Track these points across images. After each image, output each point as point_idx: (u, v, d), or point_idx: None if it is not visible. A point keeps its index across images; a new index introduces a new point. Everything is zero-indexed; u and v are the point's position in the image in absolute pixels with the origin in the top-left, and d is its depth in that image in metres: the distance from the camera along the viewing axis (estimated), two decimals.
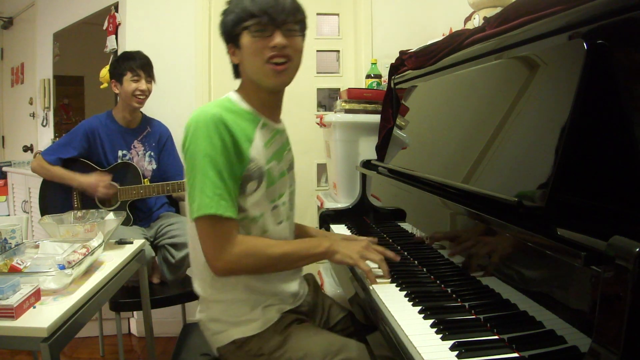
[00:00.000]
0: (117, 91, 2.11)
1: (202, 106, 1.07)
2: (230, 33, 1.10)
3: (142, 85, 2.07)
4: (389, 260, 1.16)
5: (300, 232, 1.41)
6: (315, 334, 1.12)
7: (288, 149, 1.25)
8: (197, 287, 1.15)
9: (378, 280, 1.11)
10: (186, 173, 1.05)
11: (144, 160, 2.17)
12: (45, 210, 2.11)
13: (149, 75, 2.11)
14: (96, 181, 2.01)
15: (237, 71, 1.17)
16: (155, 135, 2.21)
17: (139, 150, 2.16)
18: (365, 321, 1.26)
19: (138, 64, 2.07)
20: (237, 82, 1.18)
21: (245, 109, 1.12)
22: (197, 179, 1.01)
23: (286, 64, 1.08)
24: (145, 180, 2.12)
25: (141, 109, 2.17)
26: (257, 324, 1.09)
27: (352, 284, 1.23)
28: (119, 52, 2.56)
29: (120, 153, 2.13)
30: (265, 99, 1.14)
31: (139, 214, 2.15)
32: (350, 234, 1.64)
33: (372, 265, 1.13)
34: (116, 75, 2.09)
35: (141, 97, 2.09)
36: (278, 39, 1.05)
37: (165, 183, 2.08)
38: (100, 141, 2.09)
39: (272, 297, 1.13)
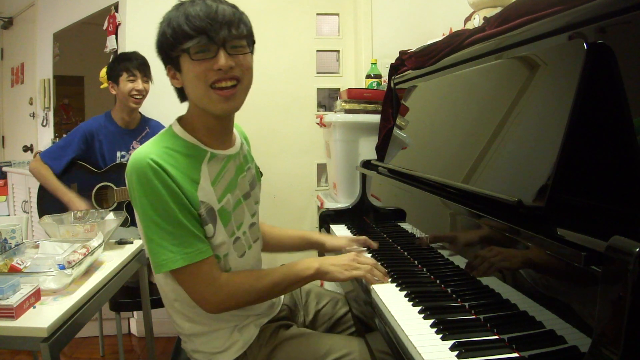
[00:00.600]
0: (114, 92, 2.11)
1: (140, 149, 0.98)
2: (167, 56, 0.99)
3: (139, 85, 2.07)
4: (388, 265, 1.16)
5: (300, 240, 1.41)
6: (303, 337, 1.11)
7: (246, 168, 1.15)
8: (173, 322, 1.11)
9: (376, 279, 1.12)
10: (140, 224, 0.98)
11: None
12: (43, 211, 2.11)
13: (146, 75, 2.10)
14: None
15: (181, 95, 1.06)
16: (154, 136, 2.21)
17: None
18: (362, 316, 1.27)
19: (134, 65, 2.06)
20: None
21: (189, 143, 1.02)
22: (154, 233, 0.95)
23: (235, 87, 0.97)
24: None
25: (139, 110, 2.17)
26: (239, 345, 1.07)
27: (352, 284, 1.23)
28: (119, 52, 2.56)
29: (119, 154, 2.12)
30: (214, 126, 1.04)
31: None
32: (350, 234, 1.64)
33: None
34: (112, 76, 2.08)
35: (138, 97, 2.08)
36: (222, 60, 0.93)
37: None
38: (99, 143, 2.09)
39: (247, 317, 1.10)
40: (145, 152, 0.96)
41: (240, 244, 1.09)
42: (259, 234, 1.21)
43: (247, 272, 1.08)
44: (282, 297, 1.26)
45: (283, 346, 1.08)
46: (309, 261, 1.10)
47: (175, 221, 0.94)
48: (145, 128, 2.20)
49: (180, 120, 1.07)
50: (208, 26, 0.92)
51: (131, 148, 2.15)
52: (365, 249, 1.38)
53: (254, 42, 1.03)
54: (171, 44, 0.95)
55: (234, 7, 0.98)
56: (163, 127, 2.25)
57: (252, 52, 1.02)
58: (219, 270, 1.01)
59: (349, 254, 1.17)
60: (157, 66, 2.18)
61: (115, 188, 2.09)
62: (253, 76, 1.03)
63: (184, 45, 0.93)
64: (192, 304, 1.04)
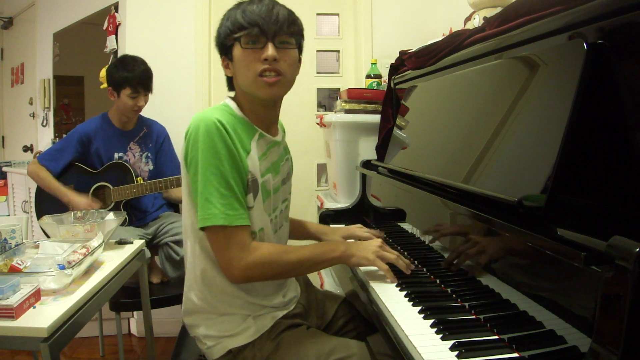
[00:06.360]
0: (113, 99, 2.06)
1: (202, 112, 1.06)
2: (223, 45, 1.10)
3: (140, 101, 2.04)
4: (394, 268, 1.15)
5: (301, 228, 1.42)
6: (308, 336, 1.12)
7: (285, 159, 1.25)
8: (192, 297, 1.13)
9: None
10: (191, 182, 1.05)
11: (140, 162, 2.16)
12: (41, 212, 2.10)
13: (148, 89, 2.07)
14: (86, 207, 1.95)
15: (231, 84, 1.17)
16: (152, 136, 2.20)
17: (135, 152, 2.15)
18: (366, 315, 1.27)
19: (137, 81, 2.00)
20: None
21: (243, 119, 1.11)
22: (204, 188, 1.01)
23: (278, 76, 1.07)
24: (139, 179, 2.11)
25: None
26: (251, 332, 1.09)
27: (352, 283, 1.23)
28: (119, 53, 2.56)
29: (116, 155, 2.11)
30: (261, 113, 1.14)
31: (136, 213, 2.14)
32: None
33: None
34: (113, 84, 2.03)
35: (138, 110, 2.08)
36: (269, 51, 1.04)
37: (158, 180, 2.06)
38: (96, 145, 2.07)
39: (265, 308, 1.13)
40: (210, 114, 1.04)
41: (274, 223, 1.16)
42: (284, 221, 1.26)
43: (276, 245, 1.14)
44: (299, 292, 1.27)
45: (287, 343, 1.10)
46: (336, 244, 1.16)
47: (226, 183, 1.01)
48: (142, 128, 2.18)
49: (232, 99, 1.16)
50: (261, 20, 1.04)
51: (128, 149, 2.14)
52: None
53: (301, 41, 1.14)
54: (227, 33, 1.07)
55: (289, 11, 1.09)
56: (161, 126, 2.25)
57: (300, 50, 1.14)
58: (251, 240, 1.06)
59: (375, 240, 1.16)
60: (159, 67, 2.20)
61: (112, 188, 2.08)
62: (299, 72, 1.15)
63: (237, 34, 1.05)
64: (214, 285, 1.09)
